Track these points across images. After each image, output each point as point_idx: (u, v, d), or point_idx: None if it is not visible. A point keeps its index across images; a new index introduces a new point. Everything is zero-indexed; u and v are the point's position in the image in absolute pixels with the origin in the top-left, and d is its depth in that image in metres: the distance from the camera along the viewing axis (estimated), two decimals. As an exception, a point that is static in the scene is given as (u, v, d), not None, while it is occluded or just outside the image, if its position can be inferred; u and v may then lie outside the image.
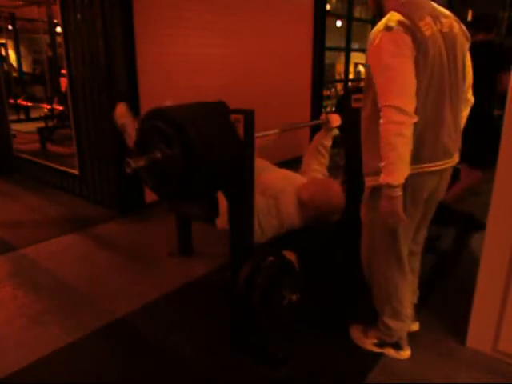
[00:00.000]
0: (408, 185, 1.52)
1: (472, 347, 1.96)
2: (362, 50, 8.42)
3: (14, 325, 2.16)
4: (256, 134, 1.85)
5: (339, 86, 10.28)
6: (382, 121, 1.45)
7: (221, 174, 1.78)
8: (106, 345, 2.03)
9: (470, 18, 10.50)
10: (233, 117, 1.79)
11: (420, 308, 2.27)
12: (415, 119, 1.43)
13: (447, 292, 2.45)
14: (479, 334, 1.94)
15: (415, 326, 2.07)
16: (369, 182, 1.67)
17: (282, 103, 5.14)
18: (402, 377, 1.80)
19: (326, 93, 9.57)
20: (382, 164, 1.47)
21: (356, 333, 2.00)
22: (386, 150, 1.44)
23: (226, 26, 4.28)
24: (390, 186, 1.47)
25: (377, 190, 1.61)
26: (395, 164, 1.44)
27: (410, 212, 1.62)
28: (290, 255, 2.07)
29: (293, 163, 5.20)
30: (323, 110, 6.45)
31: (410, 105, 1.42)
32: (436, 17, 1.53)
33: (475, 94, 1.78)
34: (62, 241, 3.16)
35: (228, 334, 2.01)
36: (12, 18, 7.25)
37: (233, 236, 2.02)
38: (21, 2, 6.34)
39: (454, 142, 1.64)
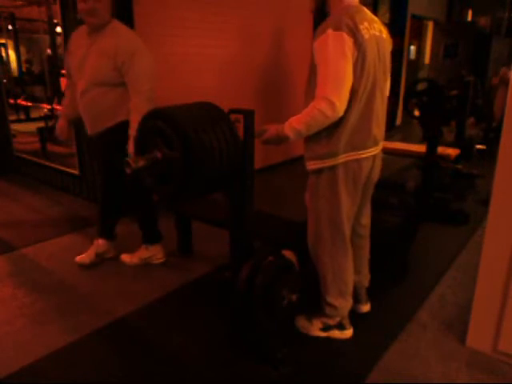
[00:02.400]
0: (349, 170, 1.77)
1: (472, 347, 1.96)
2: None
3: (14, 325, 2.16)
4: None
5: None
6: (313, 103, 1.62)
7: (221, 176, 1.78)
8: (106, 345, 2.03)
9: (469, 17, 10.48)
10: (233, 117, 1.79)
11: (419, 308, 2.28)
12: (340, 115, 1.63)
13: (447, 292, 2.45)
14: (479, 333, 1.94)
15: (366, 307, 2.21)
16: (311, 165, 1.82)
17: (282, 103, 5.14)
18: (401, 377, 1.81)
19: (326, 93, 9.53)
20: (295, 124, 1.68)
21: (301, 322, 2.07)
22: (303, 121, 1.66)
23: (225, 26, 4.28)
24: (285, 136, 1.71)
25: (320, 175, 1.80)
26: (300, 132, 1.69)
27: (352, 194, 1.83)
28: (290, 255, 2.07)
29: (292, 163, 5.22)
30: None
31: (343, 101, 1.61)
32: (370, 21, 1.71)
33: None
34: (61, 241, 3.16)
35: (228, 334, 2.01)
36: (12, 18, 7.24)
37: (233, 236, 2.02)
38: (21, 2, 6.34)
39: (381, 132, 1.87)
